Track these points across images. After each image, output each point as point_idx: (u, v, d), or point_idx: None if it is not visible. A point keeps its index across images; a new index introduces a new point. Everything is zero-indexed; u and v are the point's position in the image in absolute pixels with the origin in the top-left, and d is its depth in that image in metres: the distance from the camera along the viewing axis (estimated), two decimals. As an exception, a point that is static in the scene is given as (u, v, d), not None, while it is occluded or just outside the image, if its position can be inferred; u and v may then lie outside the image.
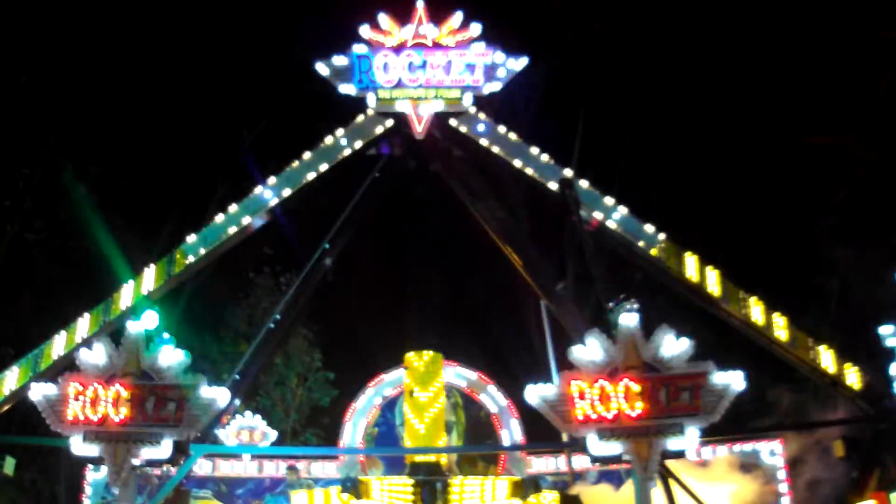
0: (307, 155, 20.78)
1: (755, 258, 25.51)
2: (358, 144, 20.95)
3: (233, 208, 20.36)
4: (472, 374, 25.87)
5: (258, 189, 20.52)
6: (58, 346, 18.57)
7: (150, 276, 19.37)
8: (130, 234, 27.97)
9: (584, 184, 20.62)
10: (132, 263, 20.62)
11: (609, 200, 20.46)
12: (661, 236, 19.90)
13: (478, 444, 26.89)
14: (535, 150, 20.80)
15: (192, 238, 19.95)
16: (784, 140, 28.96)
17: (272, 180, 20.56)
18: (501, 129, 20.91)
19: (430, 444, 20.79)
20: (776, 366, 21.13)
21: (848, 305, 22.71)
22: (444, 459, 20.98)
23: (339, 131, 20.96)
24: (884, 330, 17.94)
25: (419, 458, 20.57)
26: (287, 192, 20.55)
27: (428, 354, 21.28)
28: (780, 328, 19.30)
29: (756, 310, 19.34)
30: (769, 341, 19.46)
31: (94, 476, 23.26)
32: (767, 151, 29.92)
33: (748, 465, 22.26)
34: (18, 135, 28.63)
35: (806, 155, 27.88)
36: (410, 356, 21.35)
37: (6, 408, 18.82)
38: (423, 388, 21.07)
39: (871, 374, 18.92)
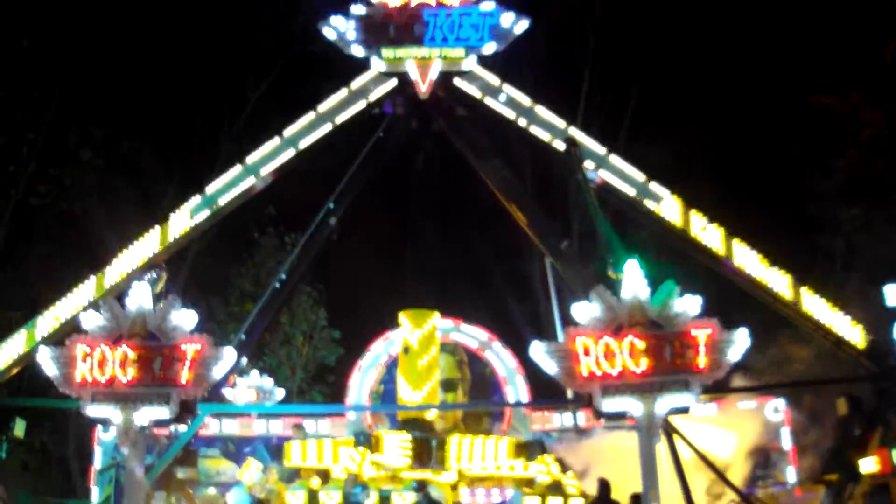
0: (311, 115, 20.70)
1: (761, 217, 25.44)
2: (362, 105, 20.87)
3: (237, 169, 20.34)
4: (478, 332, 25.97)
5: (262, 150, 20.48)
6: (64, 308, 18.64)
7: (155, 238, 19.40)
8: (135, 195, 28.02)
9: (589, 142, 20.57)
10: (137, 225, 20.60)
11: (614, 159, 20.42)
12: (667, 194, 19.88)
13: (483, 401, 27.05)
14: (539, 109, 20.73)
15: (196, 199, 19.94)
16: (792, 100, 28.80)
17: (276, 141, 20.50)
18: (506, 87, 20.83)
19: (423, 401, 20.90)
20: (780, 324, 21.20)
21: (853, 265, 22.70)
22: (428, 416, 21.05)
23: (343, 92, 20.86)
24: (888, 289, 17.94)
25: (410, 416, 20.76)
26: (291, 153, 20.51)
27: (422, 312, 21.32)
28: (785, 287, 19.34)
29: (761, 268, 19.36)
30: (773, 300, 19.50)
31: (103, 437, 23.46)
32: (774, 111, 29.79)
33: (752, 421, 22.39)
34: (22, 99, 28.52)
35: (813, 116, 27.75)
36: (405, 314, 21.40)
37: (15, 371, 18.95)
38: (417, 346, 21.14)
39: (875, 334, 18.97)
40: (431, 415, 21.18)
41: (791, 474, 22.12)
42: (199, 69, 30.96)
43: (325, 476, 19.92)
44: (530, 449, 20.34)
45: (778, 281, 19.36)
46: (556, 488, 18.81)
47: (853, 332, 19.22)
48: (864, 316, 19.40)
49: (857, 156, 27.07)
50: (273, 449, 21.14)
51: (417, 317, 21.23)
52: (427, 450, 19.37)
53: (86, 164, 29.34)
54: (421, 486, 17.84)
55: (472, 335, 26.00)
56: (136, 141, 30.25)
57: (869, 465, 18.28)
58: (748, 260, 19.42)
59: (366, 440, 19.31)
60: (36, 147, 28.87)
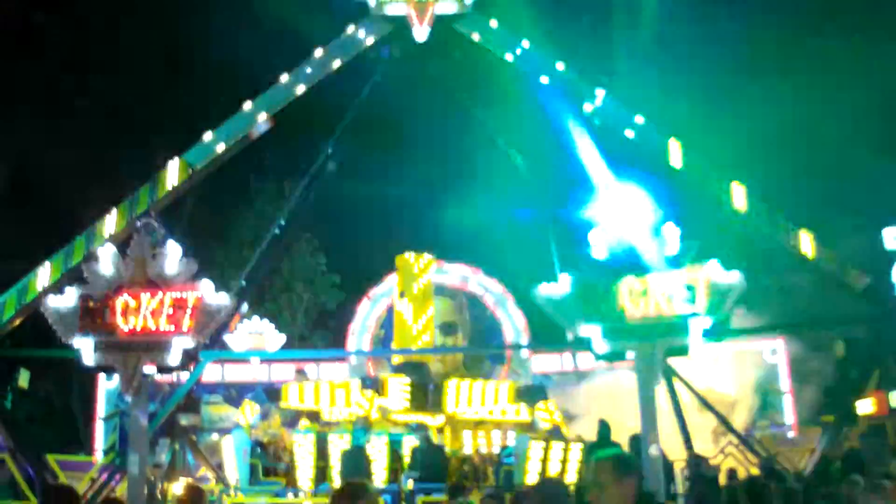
0: (309, 60, 20.53)
1: (760, 157, 25.36)
2: (360, 48, 20.69)
3: (234, 115, 20.21)
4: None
5: (259, 96, 20.34)
6: (66, 258, 18.66)
7: (154, 185, 19.36)
8: (134, 143, 27.92)
9: (587, 82, 20.43)
10: (137, 173, 20.55)
11: (613, 99, 20.32)
12: (667, 135, 19.78)
13: (484, 344, 27.24)
14: (537, 51, 20.55)
15: (195, 146, 19.86)
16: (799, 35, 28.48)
17: (274, 86, 20.35)
18: (503, 31, 20.62)
19: (417, 344, 20.97)
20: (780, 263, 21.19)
21: (853, 208, 22.63)
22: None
23: (341, 36, 20.66)
24: (886, 232, 17.88)
25: (404, 359, 20.86)
26: (290, 98, 20.37)
27: (417, 256, 21.30)
28: (784, 227, 19.31)
29: (762, 209, 19.34)
30: (773, 241, 19.48)
31: (106, 385, 23.65)
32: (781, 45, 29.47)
33: (750, 362, 22.57)
34: (22, 46, 28.29)
35: (820, 51, 27.46)
36: (401, 258, 21.38)
37: (18, 321, 19.00)
38: (412, 289, 21.17)
39: (875, 276, 18.97)
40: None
41: (789, 415, 22.35)
42: (196, 16, 30.66)
43: (314, 418, 20.01)
44: (531, 394, 20.42)
45: (778, 223, 19.33)
46: (556, 433, 18.94)
47: (851, 275, 19.23)
48: (862, 259, 19.39)
49: (863, 99, 26.84)
50: (272, 392, 21.21)
51: (413, 261, 21.21)
52: (423, 393, 19.45)
53: (84, 111, 29.22)
54: (420, 430, 17.96)
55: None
56: (134, 89, 30.08)
57: (865, 406, 18.40)
58: (751, 203, 19.38)
59: (372, 384, 19.37)
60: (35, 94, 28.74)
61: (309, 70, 20.41)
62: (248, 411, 19.15)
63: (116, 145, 26.15)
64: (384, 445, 17.65)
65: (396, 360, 22.28)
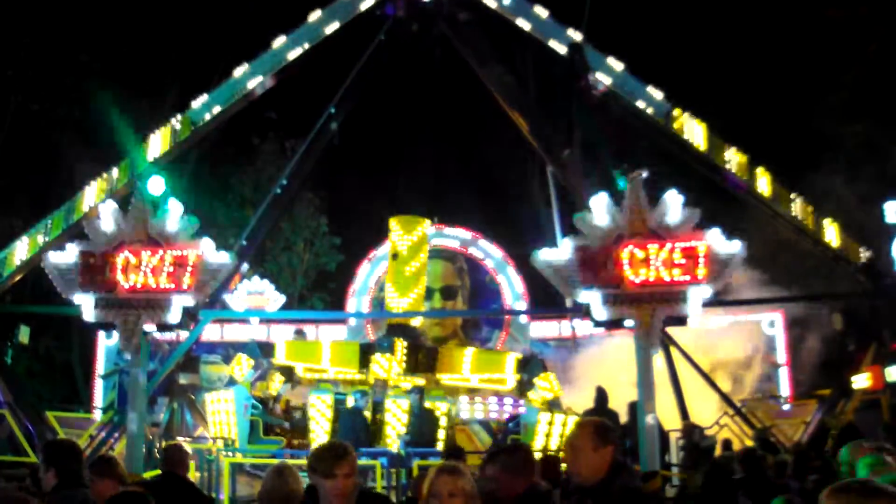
0: (312, 17, 20.37)
1: (764, 130, 25.25)
2: (364, 6, 20.52)
3: (237, 72, 20.10)
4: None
5: (263, 53, 20.21)
6: (66, 215, 18.64)
7: (156, 143, 19.29)
8: (136, 101, 27.75)
9: (593, 49, 20.30)
10: (138, 131, 20.45)
11: (618, 66, 20.19)
12: (670, 104, 19.71)
13: (483, 308, 27.26)
14: (543, 13, 20.39)
15: (196, 103, 19.78)
16: (797, 14, 28.28)
17: (277, 42, 20.22)
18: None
19: (409, 307, 20.90)
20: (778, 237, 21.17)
21: (854, 181, 22.58)
22: (414, 322, 21.08)
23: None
24: (888, 206, 17.83)
25: (395, 321, 20.79)
26: (292, 56, 20.25)
27: (412, 218, 21.24)
28: (785, 200, 19.29)
29: (762, 181, 19.29)
30: (774, 213, 19.46)
31: (106, 342, 23.68)
32: (780, 25, 29.29)
33: (748, 333, 22.61)
34: (18, 2, 28.03)
35: (818, 30, 27.27)
36: (395, 220, 21.31)
37: (18, 277, 19.01)
38: (405, 251, 21.09)
39: (874, 250, 18.98)
40: (417, 322, 21.14)
41: (785, 388, 22.41)
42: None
43: (289, 374, 19.88)
44: (532, 365, 20.35)
45: (778, 195, 19.30)
46: (556, 405, 18.95)
47: (851, 248, 19.24)
48: (863, 233, 19.39)
49: (862, 71, 26.70)
50: (266, 347, 21.10)
51: (407, 223, 21.17)
52: (414, 357, 19.37)
53: (84, 67, 28.99)
54: (416, 393, 17.93)
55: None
56: (135, 46, 29.83)
57: (861, 381, 18.44)
58: (750, 174, 19.33)
59: (389, 346, 19.29)
60: (34, 51, 28.48)
61: (314, 25, 20.27)
62: (244, 365, 19.14)
63: (118, 101, 25.93)
64: (396, 407, 17.63)
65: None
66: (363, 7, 20.48)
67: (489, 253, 26.89)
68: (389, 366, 18.78)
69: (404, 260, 20.95)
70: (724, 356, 21.86)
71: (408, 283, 20.87)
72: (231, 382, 18.67)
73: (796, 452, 11.81)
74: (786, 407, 21.31)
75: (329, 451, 5.41)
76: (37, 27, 28.32)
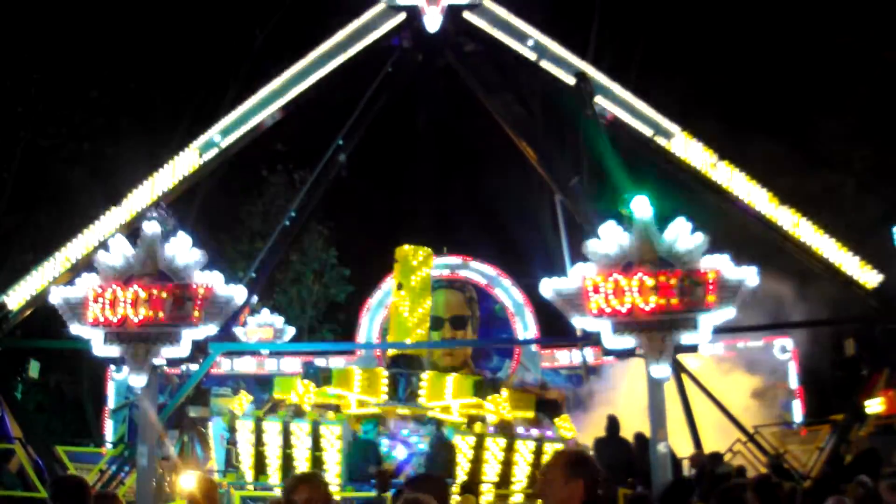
0: (319, 50, 20.46)
1: (773, 155, 25.23)
2: (370, 39, 20.60)
3: (245, 106, 20.18)
4: (486, 268, 26.05)
5: (270, 86, 20.29)
6: (76, 249, 18.67)
7: (165, 177, 19.34)
8: (144, 135, 27.91)
9: (600, 77, 20.33)
10: (147, 165, 20.53)
11: (625, 94, 20.21)
12: (678, 131, 19.70)
13: (493, 338, 27.17)
14: (550, 43, 20.43)
15: (205, 137, 19.84)
16: (805, 39, 28.34)
17: (285, 76, 20.30)
18: (516, 21, 20.51)
19: (413, 337, 20.84)
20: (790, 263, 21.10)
21: (863, 205, 22.52)
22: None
23: (351, 25, 20.58)
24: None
25: (398, 352, 20.71)
26: (300, 89, 20.32)
27: (417, 248, 21.19)
28: (795, 226, 19.22)
29: (771, 206, 19.23)
30: (783, 238, 19.39)
31: (116, 377, 23.66)
32: (787, 50, 29.35)
33: (760, 360, 22.47)
34: (29, 40, 28.23)
35: (827, 52, 27.33)
36: (400, 250, 21.27)
37: (28, 312, 19.02)
38: (410, 281, 21.05)
39: (885, 274, 18.88)
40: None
41: (798, 413, 22.25)
42: (206, 7, 30.61)
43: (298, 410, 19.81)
44: (549, 408, 20.17)
45: (788, 220, 19.24)
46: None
47: (862, 273, 19.13)
48: (873, 256, 19.28)
49: (869, 94, 26.69)
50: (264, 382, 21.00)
51: (412, 253, 21.13)
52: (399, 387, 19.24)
53: (94, 103, 29.16)
54: (430, 424, 17.90)
55: (481, 271, 26.06)
56: (145, 81, 30.03)
57: (875, 406, 18.31)
58: (758, 198, 19.28)
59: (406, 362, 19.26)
60: (44, 87, 28.66)
61: (320, 59, 20.35)
62: (243, 401, 19.12)
63: (128, 134, 26.11)
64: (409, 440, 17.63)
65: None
66: (370, 39, 20.55)
67: (511, 295, 26.79)
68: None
69: (409, 289, 20.96)
70: (736, 383, 21.73)
71: (412, 312, 20.88)
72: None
73: (815, 480, 11.72)
74: (799, 432, 21.18)
75: (290, 479, 5.90)
76: (46, 63, 28.50)
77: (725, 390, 20.82)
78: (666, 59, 30.56)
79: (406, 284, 21.08)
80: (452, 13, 20.36)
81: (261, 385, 20.65)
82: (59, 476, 12.91)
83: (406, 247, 21.49)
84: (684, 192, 20.58)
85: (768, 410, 22.19)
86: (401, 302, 21.26)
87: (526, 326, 26.42)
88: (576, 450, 5.53)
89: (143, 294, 14.68)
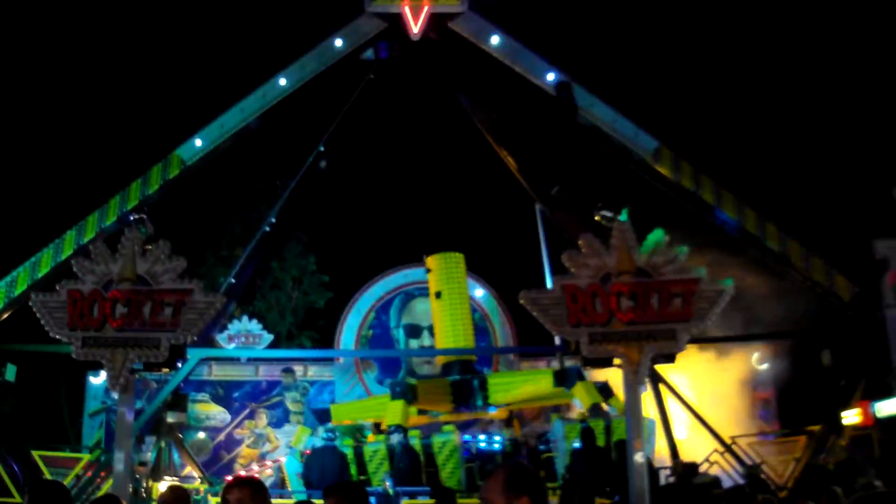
0: (303, 58, 20.50)
1: (751, 167, 25.41)
2: (354, 46, 20.66)
3: (228, 112, 20.18)
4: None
5: (254, 92, 20.31)
6: (55, 253, 18.61)
7: (145, 182, 19.31)
8: (127, 139, 27.82)
9: (581, 88, 20.45)
10: (128, 169, 20.50)
11: (606, 105, 20.33)
12: (657, 142, 19.83)
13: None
14: (532, 53, 20.56)
15: (187, 142, 19.82)
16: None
17: (267, 83, 20.32)
18: (498, 31, 20.63)
19: (460, 343, 20.97)
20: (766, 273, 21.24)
21: (842, 217, 22.66)
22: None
23: (336, 33, 20.64)
24: (878, 243, 17.91)
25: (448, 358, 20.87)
26: (281, 95, 20.35)
27: (450, 255, 21.24)
28: (773, 237, 19.35)
29: (750, 219, 19.36)
30: (762, 250, 19.52)
31: (93, 381, 23.55)
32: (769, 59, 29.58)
33: (735, 370, 22.56)
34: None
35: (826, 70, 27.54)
36: (432, 258, 21.33)
37: (6, 315, 18.94)
38: (447, 290, 21.12)
39: (862, 286, 19.02)
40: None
41: (774, 423, 22.34)
42: (192, 9, 30.60)
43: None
44: (568, 377, 20.38)
45: (767, 231, 19.37)
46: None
47: (840, 285, 19.28)
48: (852, 268, 19.44)
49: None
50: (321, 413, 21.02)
51: (446, 260, 21.25)
52: (468, 390, 19.61)
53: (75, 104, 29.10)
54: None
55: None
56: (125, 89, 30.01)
57: (851, 417, 18.43)
58: (737, 210, 19.41)
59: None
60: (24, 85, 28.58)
61: (304, 66, 20.40)
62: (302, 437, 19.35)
63: (109, 139, 26.02)
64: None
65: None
66: (353, 47, 20.62)
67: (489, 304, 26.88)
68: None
69: (447, 297, 21.09)
70: (713, 393, 21.82)
71: (455, 318, 21.04)
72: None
73: (790, 490, 11.80)
74: (775, 443, 21.29)
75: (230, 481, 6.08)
76: (28, 71, 28.46)
77: (701, 399, 20.96)
78: (647, 70, 30.68)
79: (444, 292, 21.19)
80: (435, 21, 20.49)
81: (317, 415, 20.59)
82: (38, 480, 12.84)
83: (437, 255, 21.64)
84: (663, 203, 20.73)
85: (745, 420, 22.29)
86: (442, 309, 21.37)
87: (504, 335, 26.47)
88: (517, 463, 4.97)
89: (121, 299, 14.62)
